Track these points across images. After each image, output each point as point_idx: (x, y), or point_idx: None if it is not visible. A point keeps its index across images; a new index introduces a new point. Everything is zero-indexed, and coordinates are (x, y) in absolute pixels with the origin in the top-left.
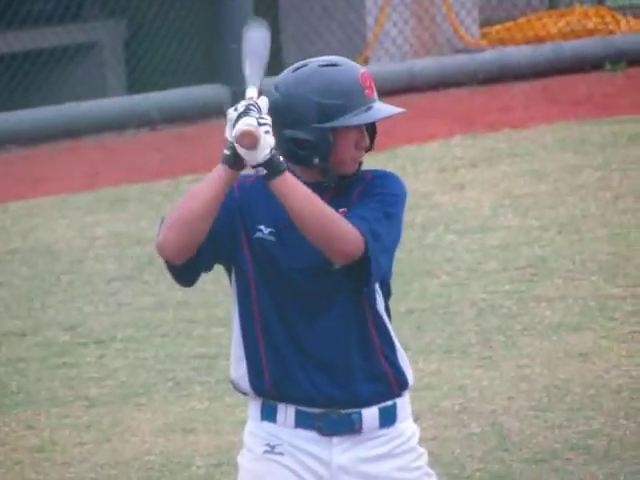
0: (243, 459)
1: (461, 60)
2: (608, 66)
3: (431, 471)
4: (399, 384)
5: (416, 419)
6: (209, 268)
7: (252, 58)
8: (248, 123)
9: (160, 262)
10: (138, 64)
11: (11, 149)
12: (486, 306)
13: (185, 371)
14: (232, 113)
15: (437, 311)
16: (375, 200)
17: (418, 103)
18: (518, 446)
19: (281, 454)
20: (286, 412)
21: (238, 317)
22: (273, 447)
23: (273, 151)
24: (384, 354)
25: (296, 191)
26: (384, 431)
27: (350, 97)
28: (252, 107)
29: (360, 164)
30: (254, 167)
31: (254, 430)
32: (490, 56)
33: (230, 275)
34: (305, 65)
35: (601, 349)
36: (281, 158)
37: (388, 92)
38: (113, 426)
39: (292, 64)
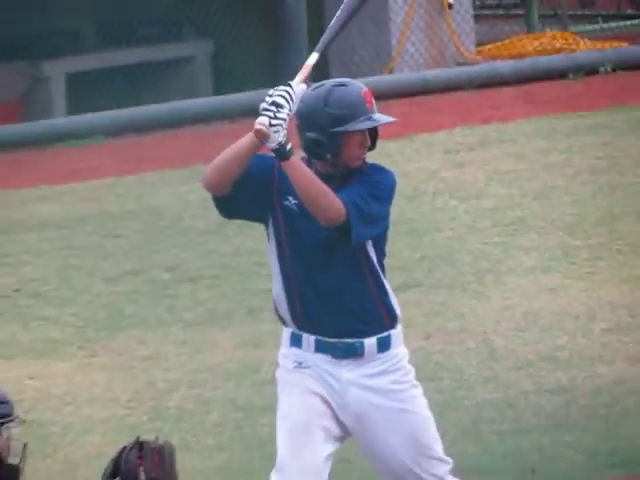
0: (280, 374)
1: (462, 71)
2: (571, 76)
3: (417, 383)
4: (390, 320)
5: (428, 337)
6: (249, 213)
7: (332, 24)
8: (261, 122)
9: (237, 220)
10: (222, 72)
11: (127, 136)
12: (480, 254)
13: (256, 301)
14: (266, 98)
15: (444, 257)
16: (365, 185)
17: (430, 102)
18: (503, 357)
19: (307, 367)
20: (308, 340)
21: (277, 262)
22: (300, 363)
23: (281, 144)
24: (379, 296)
25: (297, 172)
26: (381, 355)
27: (354, 109)
28: (277, 98)
29: (364, 160)
30: (270, 149)
31: (285, 353)
32: (483, 68)
33: (268, 230)
34: (322, 85)
35: (565, 285)
36: (288, 147)
37: (407, 94)
38: (203, 342)
39: (335, 75)
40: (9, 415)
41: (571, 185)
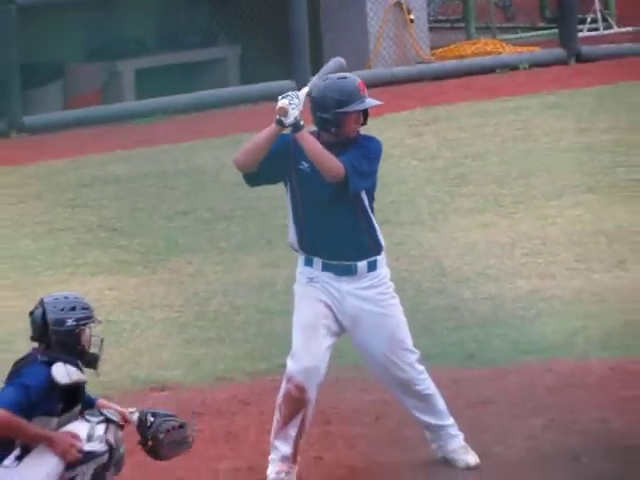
0: (296, 287)
1: (420, 67)
2: (498, 71)
3: (395, 294)
4: (377, 248)
5: (396, 260)
6: (271, 180)
7: (319, 74)
8: (283, 102)
9: None
10: (247, 68)
11: (179, 115)
12: (434, 199)
13: (273, 234)
14: (281, 95)
15: (408, 202)
16: (359, 150)
17: (397, 91)
18: (450, 274)
19: (317, 282)
20: (317, 262)
21: (291, 210)
22: (311, 279)
23: (296, 119)
24: (369, 232)
25: (308, 141)
26: (370, 274)
27: (352, 95)
28: (291, 94)
29: (358, 132)
30: (287, 126)
31: (300, 271)
32: (435, 65)
33: (286, 187)
34: (329, 78)
35: (495, 222)
36: (301, 122)
37: (381, 84)
38: (234, 263)
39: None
40: (90, 317)
41: (499, 150)
